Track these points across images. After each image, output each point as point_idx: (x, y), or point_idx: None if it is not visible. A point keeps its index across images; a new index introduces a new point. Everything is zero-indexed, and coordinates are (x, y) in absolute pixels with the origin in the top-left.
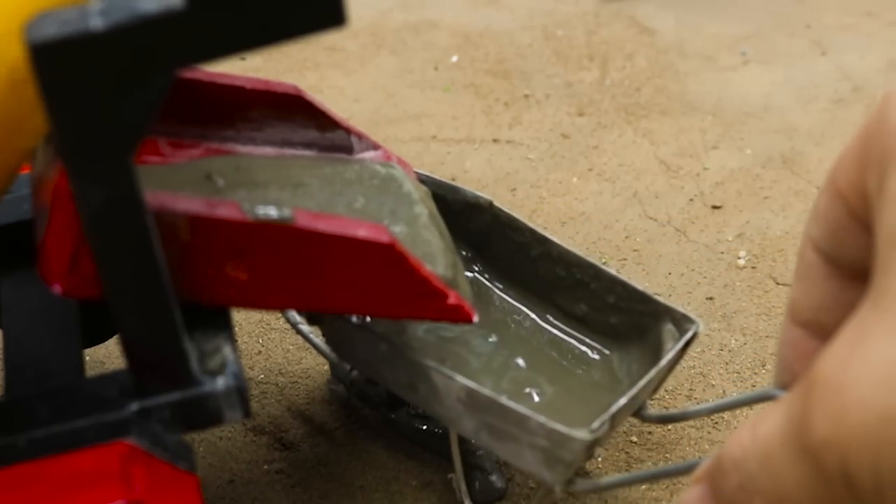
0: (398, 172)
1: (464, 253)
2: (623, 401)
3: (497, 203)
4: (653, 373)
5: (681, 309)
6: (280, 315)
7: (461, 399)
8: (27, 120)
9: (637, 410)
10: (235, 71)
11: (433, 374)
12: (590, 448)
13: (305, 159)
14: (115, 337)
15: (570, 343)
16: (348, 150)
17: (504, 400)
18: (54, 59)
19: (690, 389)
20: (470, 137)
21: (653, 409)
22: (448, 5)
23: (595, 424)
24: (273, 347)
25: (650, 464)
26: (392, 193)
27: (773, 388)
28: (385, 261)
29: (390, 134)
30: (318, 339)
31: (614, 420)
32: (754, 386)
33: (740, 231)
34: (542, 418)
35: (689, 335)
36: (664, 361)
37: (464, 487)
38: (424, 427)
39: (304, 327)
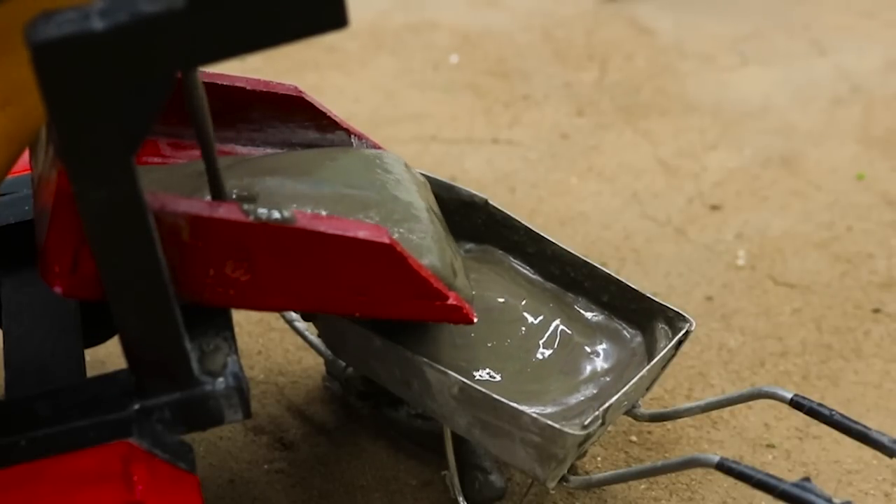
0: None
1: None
2: (615, 398)
3: (492, 202)
4: (645, 371)
5: (674, 307)
6: (280, 315)
7: (454, 395)
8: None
9: (630, 409)
10: (235, 71)
11: (426, 370)
12: (582, 444)
13: (304, 153)
14: (115, 337)
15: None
16: None
17: (496, 396)
18: (55, 58)
19: (690, 389)
20: (469, 138)
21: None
22: (448, 5)
23: (587, 420)
24: (273, 347)
25: (649, 463)
26: (390, 185)
27: (766, 386)
28: (385, 261)
29: (390, 134)
30: (314, 337)
31: (606, 416)
32: (753, 386)
33: (739, 231)
34: (534, 414)
35: (682, 334)
36: (657, 360)
37: (457, 484)
38: (424, 426)
39: (300, 324)
